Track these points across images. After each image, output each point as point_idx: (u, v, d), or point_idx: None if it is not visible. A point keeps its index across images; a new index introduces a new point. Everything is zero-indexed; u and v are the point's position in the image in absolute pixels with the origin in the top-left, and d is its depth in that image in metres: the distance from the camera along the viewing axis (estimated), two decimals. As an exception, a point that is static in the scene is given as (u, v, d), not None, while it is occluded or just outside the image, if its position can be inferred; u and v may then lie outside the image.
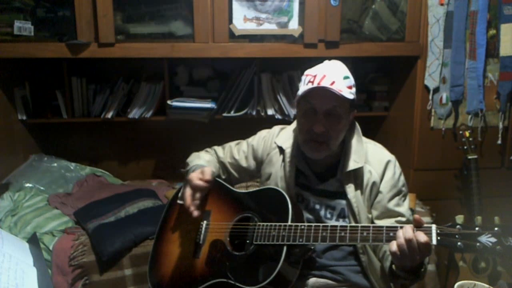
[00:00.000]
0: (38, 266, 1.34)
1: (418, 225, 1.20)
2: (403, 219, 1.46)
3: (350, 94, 1.41)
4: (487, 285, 1.48)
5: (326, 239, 1.31)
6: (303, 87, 1.43)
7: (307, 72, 1.47)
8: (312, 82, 1.40)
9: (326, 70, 1.43)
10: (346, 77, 1.43)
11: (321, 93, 1.39)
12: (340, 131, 1.46)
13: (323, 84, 1.39)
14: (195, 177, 1.48)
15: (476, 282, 1.49)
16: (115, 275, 1.94)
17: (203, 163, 1.61)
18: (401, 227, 1.20)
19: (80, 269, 1.92)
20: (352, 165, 1.47)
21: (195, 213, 1.45)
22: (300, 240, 1.33)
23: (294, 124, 1.62)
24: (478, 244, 1.13)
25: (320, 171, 1.53)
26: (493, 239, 1.12)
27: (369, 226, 1.28)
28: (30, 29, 2.12)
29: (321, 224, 1.34)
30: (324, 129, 1.41)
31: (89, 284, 1.92)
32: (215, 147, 1.75)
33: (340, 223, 1.48)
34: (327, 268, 1.49)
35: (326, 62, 1.49)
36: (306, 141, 1.45)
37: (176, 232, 1.61)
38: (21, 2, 2.12)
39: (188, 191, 1.48)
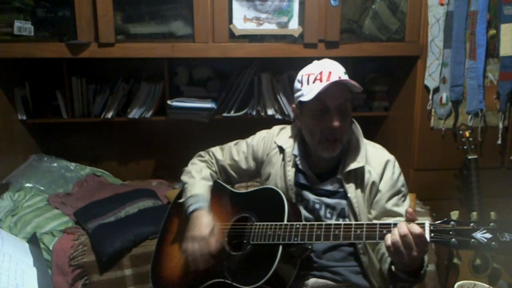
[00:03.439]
0: (38, 266, 1.34)
1: (410, 219, 1.19)
2: (402, 219, 1.43)
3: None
4: (487, 285, 1.48)
5: (320, 237, 1.31)
6: (310, 86, 1.41)
7: (305, 72, 1.46)
8: (321, 80, 1.40)
9: (328, 67, 1.43)
10: (345, 72, 1.45)
11: (333, 90, 1.38)
12: (349, 125, 1.48)
13: (332, 79, 1.38)
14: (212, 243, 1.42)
15: (476, 282, 1.49)
16: (115, 275, 1.94)
17: (198, 191, 1.54)
18: (395, 224, 1.20)
19: (80, 269, 1.92)
20: (352, 164, 1.47)
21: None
22: (295, 239, 1.33)
23: (294, 124, 1.62)
24: (472, 240, 1.09)
25: (321, 171, 1.53)
26: (488, 235, 1.08)
27: (362, 224, 1.28)
28: (30, 29, 2.12)
29: (315, 223, 1.34)
30: (341, 124, 1.41)
31: (89, 284, 1.92)
32: (213, 149, 1.73)
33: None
34: (327, 269, 1.49)
35: (320, 61, 1.48)
36: (321, 142, 1.44)
37: (177, 233, 1.62)
38: (21, 2, 2.12)
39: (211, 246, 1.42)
